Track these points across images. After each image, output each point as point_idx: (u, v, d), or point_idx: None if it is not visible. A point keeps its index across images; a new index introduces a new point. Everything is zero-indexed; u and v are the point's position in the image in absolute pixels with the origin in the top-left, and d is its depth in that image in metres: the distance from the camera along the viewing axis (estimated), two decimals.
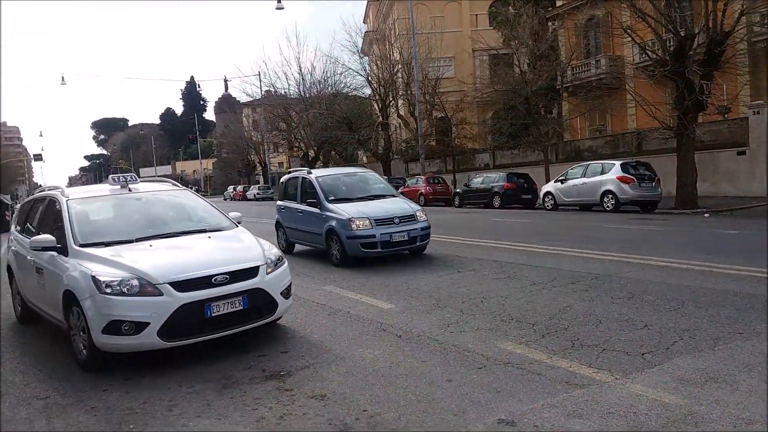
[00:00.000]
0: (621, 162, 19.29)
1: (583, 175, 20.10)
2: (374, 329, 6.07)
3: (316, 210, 10.49)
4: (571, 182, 20.55)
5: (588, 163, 21.34)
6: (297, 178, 11.81)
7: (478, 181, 26.25)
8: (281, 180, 13.28)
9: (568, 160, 27.65)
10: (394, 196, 11.04)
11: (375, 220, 9.69)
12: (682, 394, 4.02)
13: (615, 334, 5.42)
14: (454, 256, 10.58)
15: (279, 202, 12.65)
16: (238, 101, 71.38)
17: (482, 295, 7.25)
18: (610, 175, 18.83)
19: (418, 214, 10.19)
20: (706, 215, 16.60)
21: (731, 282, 7.29)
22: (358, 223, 9.62)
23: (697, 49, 18.27)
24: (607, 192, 18.75)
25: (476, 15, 45.91)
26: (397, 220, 9.88)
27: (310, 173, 11.40)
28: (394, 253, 10.08)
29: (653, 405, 3.88)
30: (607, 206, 18.76)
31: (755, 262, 8.33)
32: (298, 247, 12.31)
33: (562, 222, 16.81)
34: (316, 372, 4.90)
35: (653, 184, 18.67)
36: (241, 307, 5.33)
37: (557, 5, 34.27)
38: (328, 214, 10.16)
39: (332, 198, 10.42)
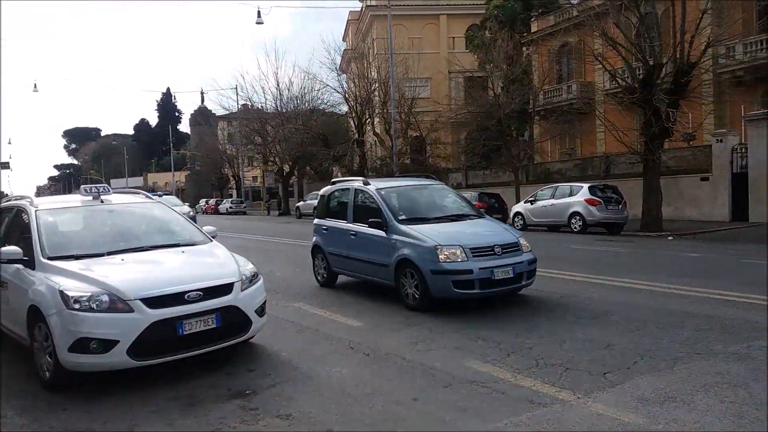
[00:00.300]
0: (589, 185, 19.76)
1: (552, 197, 20.52)
2: (342, 347, 6.07)
3: (380, 233, 8.09)
4: (540, 203, 20.93)
5: (557, 185, 21.77)
6: (347, 190, 9.36)
7: None
8: (321, 192, 10.52)
9: (538, 182, 28.12)
10: (480, 216, 8.78)
11: (471, 249, 7.32)
12: (642, 413, 4.13)
13: (578, 353, 5.54)
14: None
15: (318, 221, 10.01)
16: (214, 114, 71.08)
17: (450, 314, 7.32)
18: (578, 197, 19.27)
19: (522, 242, 8.00)
20: (670, 238, 17.04)
21: (692, 304, 7.50)
22: (447, 252, 7.23)
23: (665, 78, 18.88)
24: (575, 213, 19.16)
25: (453, 38, 46.84)
26: (498, 250, 7.48)
27: (368, 184, 8.92)
28: (493, 296, 7.63)
29: (614, 424, 3.98)
30: (575, 227, 19.15)
31: (715, 285, 8.60)
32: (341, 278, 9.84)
33: (530, 242, 16.91)
34: (282, 391, 4.88)
35: (620, 206, 19.13)
36: (214, 326, 5.22)
37: (532, 31, 35.16)
38: (399, 239, 7.78)
39: (403, 217, 8.06)
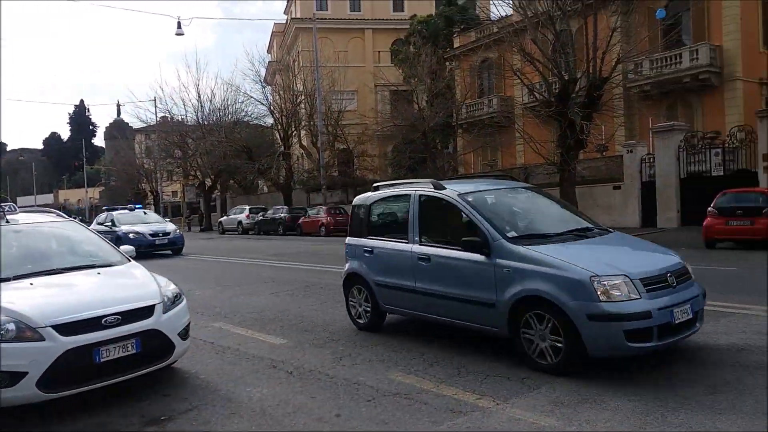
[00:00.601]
0: None
1: None
2: (264, 366, 5.91)
3: (477, 257, 5.68)
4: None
5: None
6: (405, 197, 6.84)
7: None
8: (357, 201, 7.77)
9: None
10: (606, 229, 6.37)
11: (641, 279, 5.04)
12: (557, 415, 4.25)
13: (498, 359, 5.65)
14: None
15: (354, 240, 7.53)
16: (131, 127, 68.39)
17: (375, 328, 7.29)
18: None
19: (687, 265, 5.67)
20: None
21: None
22: (608, 285, 4.91)
23: (579, 92, 19.90)
24: None
25: (379, 52, 47.50)
26: (671, 280, 5.23)
27: (442, 188, 6.39)
28: (668, 347, 5.33)
29: (530, 428, 4.07)
30: None
31: None
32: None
33: None
34: (199, 415, 4.68)
35: None
36: (133, 351, 4.92)
37: (454, 46, 36.18)
38: (516, 266, 5.36)
39: (513, 235, 5.66)
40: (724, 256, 13.05)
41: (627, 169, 23.09)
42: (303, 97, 37.96)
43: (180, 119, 44.89)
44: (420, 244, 6.46)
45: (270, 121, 41.79)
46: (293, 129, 38.93)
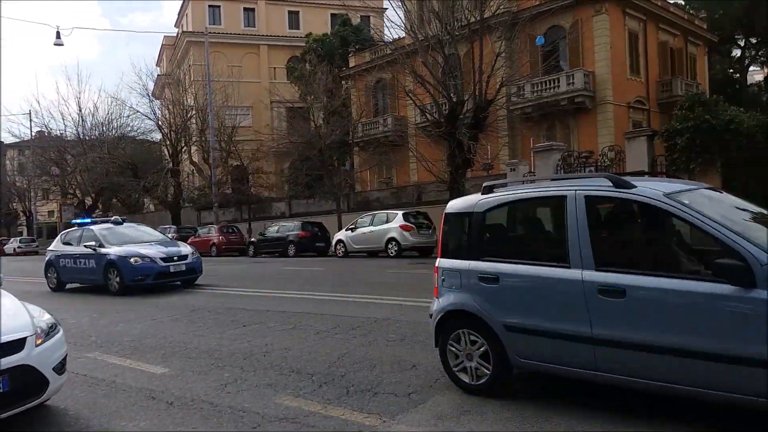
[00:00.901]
0: (403, 212, 21.08)
1: (371, 224, 21.48)
2: (142, 398, 5.54)
3: (724, 290, 3.81)
4: (360, 230, 21.70)
5: (375, 212, 22.81)
6: (554, 199, 4.83)
7: (273, 229, 26.33)
8: (455, 209, 5.55)
9: (358, 210, 29.13)
10: None
11: None
12: (440, 428, 4.34)
13: (386, 376, 5.70)
14: (241, 309, 10.28)
15: (456, 263, 5.27)
16: (2, 142, 62.75)
17: (265, 349, 7.12)
18: (393, 223, 20.47)
19: None
20: None
21: None
22: None
23: (466, 114, 20.90)
24: (391, 239, 20.35)
25: (274, 68, 47.09)
26: None
27: (629, 186, 4.35)
28: None
29: None
30: (391, 252, 20.28)
31: None
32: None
33: (351, 269, 17.48)
34: None
35: (430, 231, 20.60)
36: (0, 390, 4.41)
37: (350, 66, 36.67)
38: None
39: None
40: None
41: None
42: (194, 111, 36.77)
43: (58, 134, 41.99)
44: (597, 270, 4.37)
45: (158, 136, 40.04)
46: (183, 145, 37.56)
